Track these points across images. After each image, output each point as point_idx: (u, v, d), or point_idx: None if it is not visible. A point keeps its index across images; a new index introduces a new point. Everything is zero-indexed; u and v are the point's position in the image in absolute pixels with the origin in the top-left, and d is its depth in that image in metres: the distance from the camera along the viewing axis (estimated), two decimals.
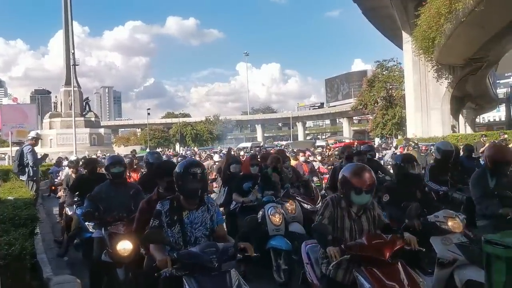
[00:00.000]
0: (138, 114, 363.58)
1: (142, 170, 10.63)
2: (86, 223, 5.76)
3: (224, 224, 3.85)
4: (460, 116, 41.77)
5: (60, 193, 10.80)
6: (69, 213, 7.43)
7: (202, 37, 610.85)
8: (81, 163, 10.10)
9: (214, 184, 10.69)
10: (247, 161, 7.09)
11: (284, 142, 49.23)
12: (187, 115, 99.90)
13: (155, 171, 4.72)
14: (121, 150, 44.99)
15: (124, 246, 4.30)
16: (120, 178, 5.06)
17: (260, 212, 5.75)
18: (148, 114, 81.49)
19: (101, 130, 50.31)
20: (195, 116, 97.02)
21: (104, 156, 24.29)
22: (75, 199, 6.75)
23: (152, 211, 3.26)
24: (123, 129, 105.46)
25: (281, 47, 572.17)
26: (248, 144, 44.81)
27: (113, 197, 4.87)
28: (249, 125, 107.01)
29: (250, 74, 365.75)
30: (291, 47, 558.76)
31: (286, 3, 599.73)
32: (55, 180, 14.31)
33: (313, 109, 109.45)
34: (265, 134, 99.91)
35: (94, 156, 25.81)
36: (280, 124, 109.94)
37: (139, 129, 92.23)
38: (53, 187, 14.71)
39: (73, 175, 9.02)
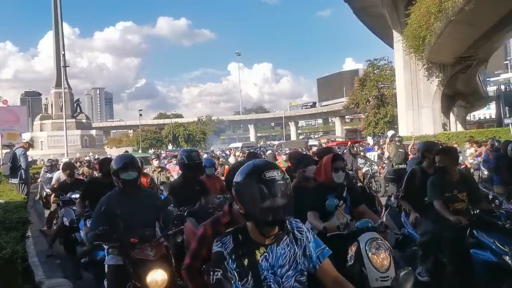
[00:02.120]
0: (130, 115, 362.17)
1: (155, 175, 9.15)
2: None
3: None
4: (451, 114, 42.02)
5: (52, 197, 9.12)
6: (67, 223, 6.47)
7: (193, 38, 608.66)
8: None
9: None
10: (326, 163, 4.17)
11: (276, 142, 49.25)
12: (179, 116, 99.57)
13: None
14: (113, 152, 44.72)
15: (157, 277, 3.32)
16: (134, 186, 3.78)
17: (353, 248, 3.51)
18: (140, 115, 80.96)
19: (93, 132, 50.02)
20: (188, 117, 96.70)
21: (96, 158, 23.67)
22: (86, 208, 5.43)
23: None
24: (115, 131, 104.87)
25: (273, 47, 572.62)
26: (239, 144, 44.73)
27: (132, 210, 3.63)
28: (241, 125, 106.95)
29: (242, 74, 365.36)
30: (282, 47, 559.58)
31: (277, 3, 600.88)
32: (47, 190, 10.94)
33: (305, 108, 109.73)
34: (258, 134, 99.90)
35: (89, 156, 25.51)
36: (272, 124, 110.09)
37: (131, 130, 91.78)
38: (43, 200, 11.32)
39: (67, 180, 7.71)
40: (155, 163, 9.72)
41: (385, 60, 45.94)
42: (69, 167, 8.03)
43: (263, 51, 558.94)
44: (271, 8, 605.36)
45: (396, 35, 30.33)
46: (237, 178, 1.92)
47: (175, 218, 3.93)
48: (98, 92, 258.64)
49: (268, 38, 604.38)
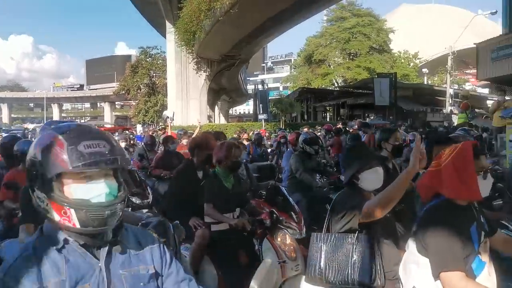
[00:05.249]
0: None
1: None
2: None
3: None
4: (216, 107, 45.27)
5: None
6: None
7: None
8: None
9: None
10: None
11: (31, 125, 43.47)
12: None
13: None
14: None
15: None
16: None
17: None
18: None
19: None
20: None
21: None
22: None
23: None
24: None
25: (33, 19, 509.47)
26: None
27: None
28: None
29: None
30: (45, 21, 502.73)
31: None
32: None
33: (71, 90, 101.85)
34: (13, 115, 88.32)
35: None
36: (31, 105, 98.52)
37: None
38: None
39: None
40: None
41: (158, 49, 46.30)
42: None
43: (22, 21, 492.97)
44: None
45: (169, 26, 30.75)
46: None
47: None
48: None
49: (26, 8, 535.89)
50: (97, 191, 1.38)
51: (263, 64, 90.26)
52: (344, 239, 2.62)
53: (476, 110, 21.01)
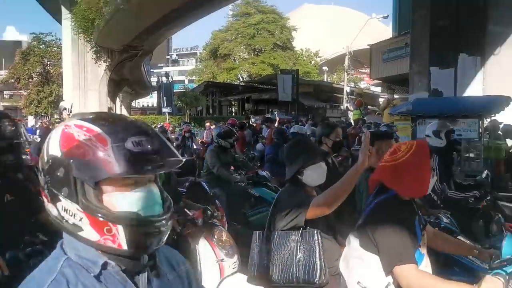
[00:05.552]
0: None
1: None
2: None
3: None
4: (117, 99, 43.47)
5: None
6: None
7: None
8: None
9: None
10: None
11: None
12: None
13: None
14: None
15: None
16: None
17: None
18: None
19: None
20: None
21: None
22: None
23: None
24: None
25: None
26: None
27: None
28: None
29: None
30: None
31: None
32: None
33: None
34: None
35: None
36: None
37: None
38: None
39: None
40: None
41: (52, 35, 43.29)
42: None
43: None
44: None
45: (65, 12, 28.89)
46: None
47: None
48: None
49: None
50: (145, 201, 1.08)
51: (168, 56, 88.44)
52: (288, 237, 2.54)
53: (369, 107, 22.60)
